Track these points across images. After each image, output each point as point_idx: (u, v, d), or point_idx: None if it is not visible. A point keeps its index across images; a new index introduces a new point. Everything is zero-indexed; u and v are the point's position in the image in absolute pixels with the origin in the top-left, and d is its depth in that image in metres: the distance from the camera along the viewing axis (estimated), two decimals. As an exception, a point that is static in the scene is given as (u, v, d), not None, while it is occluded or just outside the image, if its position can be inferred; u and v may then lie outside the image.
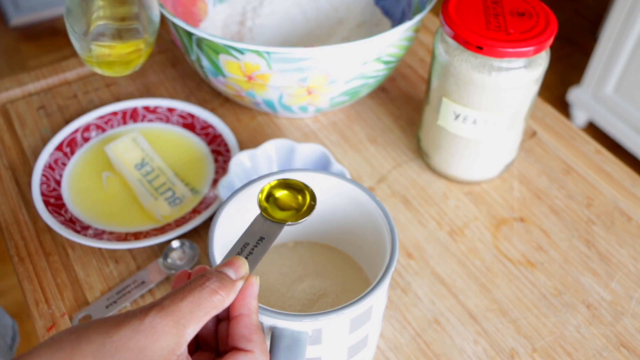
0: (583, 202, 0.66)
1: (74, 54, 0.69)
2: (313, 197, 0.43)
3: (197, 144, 0.69)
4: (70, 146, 0.67)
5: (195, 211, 0.62)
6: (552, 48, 0.58)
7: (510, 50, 0.55)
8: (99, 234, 0.60)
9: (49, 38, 2.11)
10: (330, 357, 0.44)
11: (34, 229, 0.62)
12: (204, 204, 0.63)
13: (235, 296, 0.35)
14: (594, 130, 1.78)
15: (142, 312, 0.32)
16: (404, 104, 0.76)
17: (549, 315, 0.56)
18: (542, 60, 0.58)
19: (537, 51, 0.55)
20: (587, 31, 2.16)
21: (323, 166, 0.60)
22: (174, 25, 0.64)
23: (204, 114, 0.70)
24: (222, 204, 0.47)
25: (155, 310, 0.32)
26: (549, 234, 0.63)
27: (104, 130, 0.70)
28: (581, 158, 0.70)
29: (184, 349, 0.33)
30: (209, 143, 0.69)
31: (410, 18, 0.71)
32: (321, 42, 0.78)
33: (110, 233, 0.60)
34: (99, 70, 0.60)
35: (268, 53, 0.60)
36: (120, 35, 0.58)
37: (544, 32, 0.56)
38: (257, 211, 0.50)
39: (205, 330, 0.38)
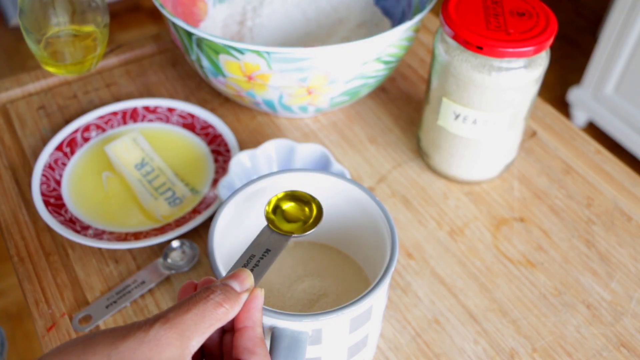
0: (583, 202, 0.66)
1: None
2: (320, 209, 0.43)
3: (197, 144, 0.69)
4: (70, 146, 0.67)
5: (195, 211, 0.62)
6: (552, 48, 0.58)
7: (510, 50, 0.55)
8: (99, 234, 0.60)
9: (49, 38, 2.11)
10: (330, 357, 0.44)
11: (34, 229, 0.62)
12: (204, 204, 0.63)
13: (239, 309, 0.36)
14: (594, 130, 1.78)
15: (147, 324, 0.33)
16: (404, 104, 0.76)
17: (549, 315, 0.56)
18: (542, 60, 0.58)
19: (537, 51, 0.55)
20: (587, 31, 2.16)
21: (323, 166, 0.60)
22: (174, 25, 0.64)
23: (204, 114, 0.70)
24: (222, 204, 0.47)
25: (160, 323, 0.33)
26: (549, 234, 0.63)
27: (104, 130, 0.70)
28: (581, 158, 0.70)
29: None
30: (209, 143, 0.69)
31: (410, 18, 0.71)
32: (321, 42, 0.78)
33: (110, 233, 0.60)
34: (54, 71, 0.61)
35: (268, 53, 0.60)
36: (74, 35, 0.60)
37: (544, 32, 0.56)
38: (258, 213, 0.50)
39: (210, 341, 0.38)
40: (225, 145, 0.68)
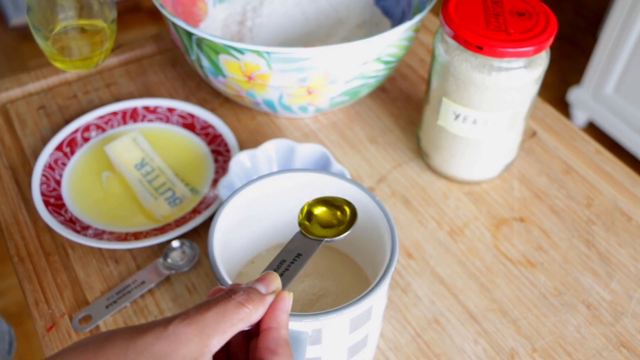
0: (583, 202, 0.66)
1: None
2: (354, 213, 0.43)
3: (197, 144, 0.69)
4: (70, 146, 0.67)
5: (195, 211, 0.62)
6: (552, 48, 0.58)
7: (510, 50, 0.55)
8: (99, 234, 0.60)
9: (49, 38, 2.11)
10: (330, 357, 0.44)
11: (34, 229, 0.62)
12: (204, 204, 0.63)
13: (264, 310, 0.35)
14: (594, 130, 1.78)
15: (166, 321, 0.33)
16: (404, 104, 0.76)
17: (549, 315, 0.56)
18: (542, 60, 0.58)
19: (537, 51, 0.55)
20: (587, 31, 2.16)
21: (323, 166, 0.60)
22: (174, 25, 0.64)
23: (204, 114, 0.70)
24: (222, 204, 0.47)
25: (179, 319, 0.33)
26: (549, 234, 0.63)
27: (104, 130, 0.70)
28: (581, 158, 0.70)
29: (207, 359, 0.33)
30: (209, 143, 0.69)
31: (410, 18, 0.71)
32: (321, 42, 0.78)
33: (110, 233, 0.60)
34: (62, 67, 0.62)
35: (268, 53, 0.60)
36: (82, 31, 0.60)
37: (544, 32, 0.56)
38: (259, 212, 0.50)
39: (236, 346, 0.38)
40: (225, 145, 0.68)
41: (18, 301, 1.39)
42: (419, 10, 0.71)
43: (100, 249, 0.60)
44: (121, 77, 0.78)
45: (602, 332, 0.55)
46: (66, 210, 0.62)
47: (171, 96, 0.76)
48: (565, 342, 0.55)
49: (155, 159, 0.66)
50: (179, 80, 0.78)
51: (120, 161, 0.65)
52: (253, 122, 0.73)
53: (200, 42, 0.62)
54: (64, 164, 0.66)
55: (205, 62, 0.65)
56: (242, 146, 0.70)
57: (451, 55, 0.58)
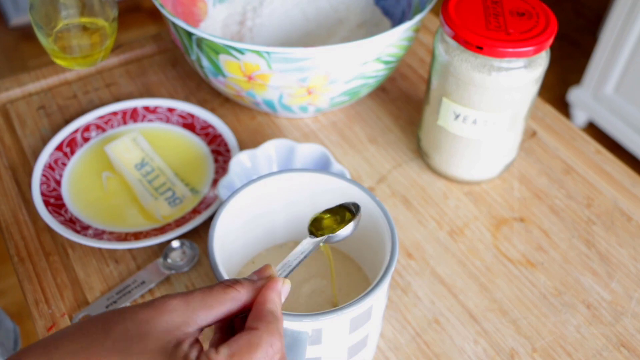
0: (583, 202, 0.66)
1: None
2: (357, 209, 0.45)
3: (197, 144, 0.69)
4: (70, 146, 0.67)
5: (195, 211, 0.62)
6: (552, 48, 0.58)
7: (510, 50, 0.55)
8: (99, 234, 0.60)
9: (49, 38, 2.10)
10: (330, 357, 0.44)
11: (34, 229, 0.62)
12: (204, 204, 0.63)
13: (254, 293, 0.36)
14: (594, 130, 1.78)
15: (156, 298, 0.34)
16: (404, 104, 0.76)
17: (549, 315, 0.56)
18: (542, 60, 0.58)
19: (537, 51, 0.55)
20: (587, 31, 2.16)
21: (323, 166, 0.60)
22: (174, 25, 0.64)
23: (204, 114, 0.70)
24: (222, 204, 0.47)
25: (169, 295, 0.34)
26: (549, 234, 0.63)
27: (104, 130, 0.70)
28: (581, 158, 0.70)
29: (192, 330, 0.33)
30: (209, 143, 0.69)
31: (410, 18, 0.71)
32: (321, 42, 0.78)
33: (110, 233, 0.60)
34: (64, 64, 0.63)
35: (268, 53, 0.60)
36: (83, 29, 0.62)
37: (544, 32, 0.56)
38: (259, 212, 0.50)
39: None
40: (225, 145, 0.68)
41: (18, 301, 1.39)
42: (418, 10, 0.71)
43: (100, 249, 0.60)
44: (121, 77, 0.78)
45: (602, 332, 0.55)
46: (66, 210, 0.62)
47: (171, 96, 0.76)
48: (565, 342, 0.55)
49: (155, 159, 0.66)
50: (179, 80, 0.78)
51: (120, 161, 0.65)
52: (253, 122, 0.73)
53: (200, 42, 0.62)
54: (64, 164, 0.66)
55: (205, 62, 0.65)
56: (242, 146, 0.70)
57: (451, 55, 0.58)
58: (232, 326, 0.37)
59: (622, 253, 0.61)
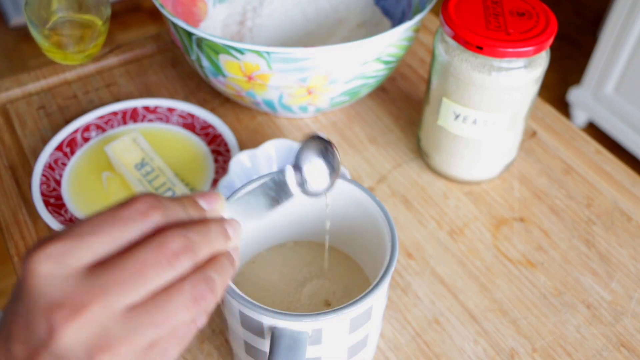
0: (583, 202, 0.66)
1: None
2: (334, 179, 0.42)
3: (197, 144, 0.69)
4: (70, 146, 0.67)
5: (195, 211, 0.62)
6: (552, 48, 0.58)
7: (511, 50, 0.55)
8: (99, 234, 0.60)
9: (49, 38, 2.10)
10: (330, 357, 0.44)
11: (34, 229, 0.62)
12: (204, 204, 0.62)
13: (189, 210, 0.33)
14: (594, 130, 1.78)
15: None
16: (404, 104, 0.76)
17: (549, 315, 0.56)
18: (542, 60, 0.58)
19: (537, 51, 0.55)
20: (587, 31, 2.16)
21: (323, 166, 0.60)
22: (174, 25, 0.64)
23: (203, 114, 0.70)
24: (222, 204, 0.46)
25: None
26: (549, 234, 0.63)
27: (104, 130, 0.70)
28: (581, 158, 0.70)
29: None
30: (209, 143, 0.69)
31: (410, 18, 0.70)
32: (321, 42, 0.78)
33: (110, 233, 0.60)
34: (56, 58, 0.64)
35: (268, 53, 0.59)
36: (76, 25, 0.64)
37: (544, 32, 0.56)
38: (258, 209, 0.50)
39: None
40: (225, 145, 0.68)
41: (18, 301, 1.39)
42: (418, 10, 0.71)
43: (100, 249, 0.60)
44: (121, 77, 0.78)
45: (602, 332, 0.55)
46: (66, 210, 0.62)
47: (171, 96, 0.76)
48: (565, 342, 0.55)
49: (155, 159, 0.66)
50: (179, 80, 0.78)
51: (121, 161, 0.65)
52: (253, 122, 0.73)
53: (200, 42, 0.62)
54: (64, 164, 0.66)
55: (205, 62, 0.65)
56: (242, 146, 0.70)
57: (451, 55, 0.58)
58: None
59: (622, 253, 0.61)
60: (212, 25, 0.78)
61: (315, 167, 0.41)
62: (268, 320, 0.40)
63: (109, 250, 0.29)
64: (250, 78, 0.63)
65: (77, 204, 0.63)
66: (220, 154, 0.67)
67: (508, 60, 0.56)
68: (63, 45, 0.63)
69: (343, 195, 0.49)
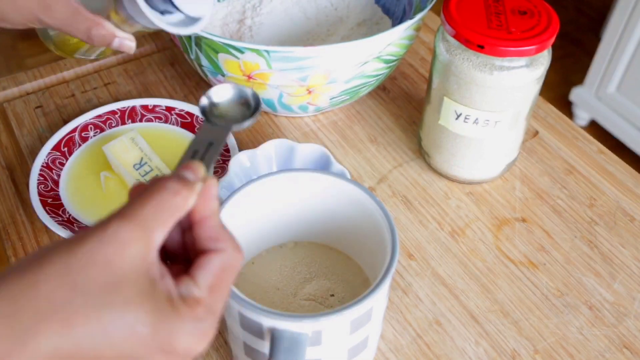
0: (585, 202, 0.65)
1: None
2: (257, 103, 0.41)
3: (196, 144, 0.68)
4: (68, 146, 0.67)
5: (194, 211, 0.61)
6: (554, 47, 0.58)
7: (512, 49, 0.54)
8: (97, 235, 0.59)
9: (49, 37, 2.10)
10: (330, 359, 0.43)
11: (31, 229, 0.62)
12: (203, 204, 0.62)
13: (196, 198, 0.33)
14: (596, 130, 1.78)
15: (103, 224, 0.30)
16: (404, 103, 0.76)
17: (551, 317, 0.56)
18: (544, 59, 0.58)
19: (539, 50, 0.55)
20: (589, 30, 2.15)
21: (323, 166, 0.60)
22: (173, 23, 0.63)
23: (203, 114, 0.70)
24: (222, 204, 0.46)
25: (117, 219, 0.30)
26: (551, 234, 0.62)
27: (102, 129, 0.69)
28: (584, 158, 0.70)
29: (154, 255, 0.31)
30: (208, 143, 0.68)
31: (411, 17, 0.70)
32: (321, 41, 0.77)
33: (109, 233, 0.60)
34: (53, 49, 0.62)
35: (268, 52, 0.59)
36: None
37: (546, 30, 0.56)
38: (258, 213, 0.50)
39: (171, 241, 0.35)
40: (225, 145, 0.67)
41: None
42: (419, 8, 0.70)
43: (98, 250, 0.60)
44: (119, 76, 0.78)
45: (605, 334, 0.55)
46: (64, 211, 0.61)
47: (170, 95, 0.76)
48: (568, 343, 0.54)
49: (154, 158, 0.66)
50: (178, 80, 0.78)
51: (119, 161, 0.64)
52: (253, 121, 0.73)
53: (199, 41, 0.62)
54: (62, 164, 0.66)
55: (204, 61, 0.64)
56: (242, 146, 0.69)
57: (452, 54, 0.58)
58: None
59: (624, 254, 0.61)
60: (211, 24, 0.78)
61: None
62: (267, 321, 0.40)
63: None
64: (249, 77, 0.63)
65: (75, 204, 0.62)
66: (220, 154, 0.67)
67: (510, 59, 0.56)
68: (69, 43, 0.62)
69: (343, 195, 0.48)
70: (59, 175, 0.65)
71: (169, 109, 0.71)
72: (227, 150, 0.67)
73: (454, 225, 0.63)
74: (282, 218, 0.52)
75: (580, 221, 0.63)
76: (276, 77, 0.62)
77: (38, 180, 0.63)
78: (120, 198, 0.63)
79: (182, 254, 0.36)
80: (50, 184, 0.63)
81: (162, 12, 0.52)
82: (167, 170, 0.65)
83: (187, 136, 0.69)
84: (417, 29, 0.67)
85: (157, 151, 0.67)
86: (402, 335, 0.54)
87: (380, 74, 0.67)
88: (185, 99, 0.75)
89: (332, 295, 0.51)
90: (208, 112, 0.40)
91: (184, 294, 0.31)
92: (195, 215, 0.34)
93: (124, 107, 0.71)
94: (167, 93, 0.76)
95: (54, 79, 0.77)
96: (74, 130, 0.68)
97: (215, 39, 0.60)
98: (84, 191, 0.64)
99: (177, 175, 0.33)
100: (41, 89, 0.76)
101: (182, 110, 0.71)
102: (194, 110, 0.70)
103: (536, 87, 0.59)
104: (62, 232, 0.58)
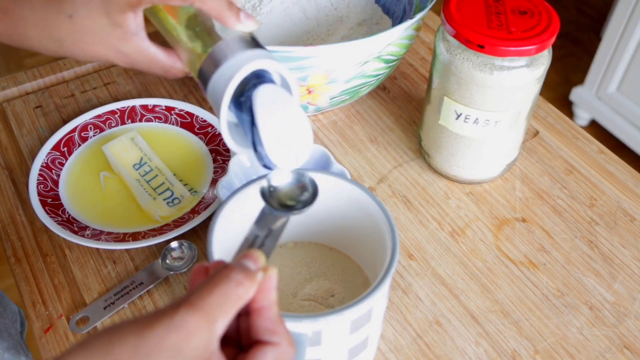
0: (586, 202, 0.65)
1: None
2: (315, 188, 0.42)
3: (195, 144, 0.68)
4: (67, 146, 0.67)
5: (194, 211, 0.61)
6: (554, 47, 0.58)
7: (512, 49, 0.54)
8: (96, 235, 0.59)
9: (50, 37, 2.10)
10: (330, 359, 0.43)
11: (31, 229, 0.61)
12: (202, 205, 0.62)
13: (256, 288, 0.35)
14: (597, 130, 1.77)
15: (172, 310, 0.32)
16: (404, 103, 0.75)
17: (551, 317, 0.56)
18: (544, 59, 0.58)
19: (539, 50, 0.55)
20: (590, 30, 2.15)
21: (323, 166, 0.59)
22: (173, 23, 0.63)
23: (202, 113, 0.70)
24: (222, 205, 0.46)
25: (184, 307, 0.32)
26: (551, 234, 0.62)
27: (101, 129, 0.69)
28: (584, 158, 0.69)
29: (216, 344, 0.32)
30: (208, 143, 0.68)
31: (411, 17, 0.70)
32: (321, 40, 0.77)
33: (108, 233, 0.60)
34: None
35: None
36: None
37: (546, 30, 0.55)
38: (259, 208, 0.50)
39: (228, 326, 0.37)
40: (225, 145, 0.67)
41: (15, 302, 1.39)
42: (420, 8, 0.70)
43: (98, 250, 0.60)
44: (119, 76, 0.78)
45: (605, 334, 0.55)
46: (63, 211, 0.61)
47: (170, 95, 0.76)
48: (568, 343, 0.54)
49: (154, 158, 0.66)
50: (178, 79, 0.78)
51: (119, 161, 0.64)
52: (252, 121, 0.72)
53: (198, 40, 0.62)
54: (62, 164, 0.66)
55: (204, 61, 0.64)
56: (242, 146, 0.69)
57: (452, 54, 0.58)
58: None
59: (625, 254, 0.61)
60: (211, 23, 0.78)
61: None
62: (266, 322, 0.39)
63: None
64: (249, 77, 0.63)
65: (74, 204, 0.62)
66: (220, 154, 0.67)
67: (510, 59, 0.55)
68: None
69: (343, 195, 0.48)
70: (58, 175, 0.65)
71: (169, 108, 0.71)
72: (227, 150, 0.67)
73: (454, 225, 0.63)
74: (282, 218, 0.52)
75: (581, 221, 0.63)
76: (276, 77, 0.62)
77: (37, 180, 0.63)
78: (119, 198, 0.63)
79: (235, 338, 0.37)
80: (49, 183, 0.63)
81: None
82: (167, 170, 0.65)
83: (186, 136, 0.69)
84: (417, 29, 0.67)
85: (157, 151, 0.67)
86: (402, 336, 0.54)
87: (380, 74, 0.67)
88: (185, 98, 0.75)
89: (332, 295, 0.51)
90: (267, 195, 0.42)
91: None
92: (253, 304, 0.35)
93: (123, 107, 0.70)
94: (167, 93, 0.76)
95: (54, 79, 0.77)
96: (73, 130, 0.68)
97: (215, 38, 0.59)
98: (83, 191, 0.64)
99: (240, 264, 0.35)
100: (41, 88, 0.76)
101: (182, 110, 0.71)
102: (194, 110, 0.70)
103: (536, 87, 0.59)
104: (62, 232, 0.58)
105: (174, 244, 0.59)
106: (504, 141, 0.62)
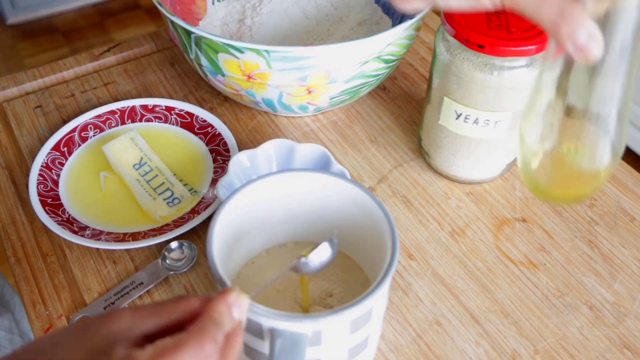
0: (586, 202, 0.65)
1: (71, 52, 0.69)
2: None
3: (195, 144, 0.68)
4: (67, 146, 0.67)
5: (194, 211, 0.61)
6: (554, 47, 0.58)
7: (512, 49, 0.54)
8: (96, 235, 0.59)
9: (46, 36, 2.10)
10: (330, 359, 0.43)
11: (30, 229, 0.61)
12: (202, 205, 0.62)
13: (206, 305, 0.37)
14: (594, 130, 1.77)
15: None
16: (404, 103, 0.76)
17: (551, 317, 0.56)
18: (544, 59, 0.58)
19: (539, 50, 0.55)
20: (587, 30, 2.15)
21: (323, 166, 0.59)
22: (173, 23, 0.63)
23: (202, 113, 0.70)
24: (222, 205, 0.46)
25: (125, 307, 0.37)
26: (551, 234, 0.62)
27: (101, 129, 0.69)
28: (583, 158, 0.69)
29: (133, 335, 0.34)
30: (208, 143, 0.68)
31: (411, 16, 0.70)
32: (321, 40, 0.77)
33: (108, 233, 0.60)
34: (541, 196, 0.45)
35: (268, 52, 0.59)
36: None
37: (547, 30, 0.55)
38: (258, 213, 0.50)
39: None
40: (225, 144, 0.67)
41: (16, 301, 1.39)
42: (419, 8, 0.70)
43: (98, 250, 0.60)
44: (119, 76, 0.78)
45: (605, 334, 0.55)
46: (63, 211, 0.61)
47: (170, 95, 0.76)
48: (568, 343, 0.54)
49: (154, 158, 0.66)
50: (178, 79, 0.78)
51: (119, 161, 0.64)
52: (252, 121, 0.73)
53: (199, 40, 0.62)
54: (62, 164, 0.66)
55: (204, 61, 0.64)
56: (242, 146, 0.69)
57: (452, 54, 0.58)
58: None
59: (625, 254, 0.61)
60: (211, 23, 0.78)
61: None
62: (267, 322, 0.40)
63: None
64: (249, 77, 0.63)
65: (74, 204, 0.62)
66: (220, 154, 0.67)
67: (510, 59, 0.56)
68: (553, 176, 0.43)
69: (343, 195, 0.48)
70: (58, 175, 0.65)
71: (169, 108, 0.71)
72: (227, 150, 0.67)
73: (454, 225, 0.63)
74: (282, 218, 0.52)
75: (581, 221, 0.63)
76: (276, 77, 0.62)
77: (37, 180, 0.63)
78: (119, 198, 0.63)
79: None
80: (49, 183, 0.63)
81: None
82: (167, 170, 0.65)
83: (186, 136, 0.69)
84: (417, 29, 0.67)
85: (157, 151, 0.67)
86: (402, 336, 0.54)
87: (380, 74, 0.67)
88: (185, 98, 0.75)
89: (331, 295, 0.51)
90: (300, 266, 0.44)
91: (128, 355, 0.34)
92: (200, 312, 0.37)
93: (123, 107, 0.71)
94: (167, 93, 0.76)
95: (54, 79, 0.77)
96: (73, 130, 0.68)
97: (215, 38, 0.59)
98: (83, 191, 0.64)
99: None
100: (41, 88, 0.76)
101: (182, 110, 0.71)
102: (194, 110, 0.70)
103: (536, 87, 0.59)
104: (62, 232, 0.58)
105: (174, 244, 0.59)
106: (504, 141, 0.62)
